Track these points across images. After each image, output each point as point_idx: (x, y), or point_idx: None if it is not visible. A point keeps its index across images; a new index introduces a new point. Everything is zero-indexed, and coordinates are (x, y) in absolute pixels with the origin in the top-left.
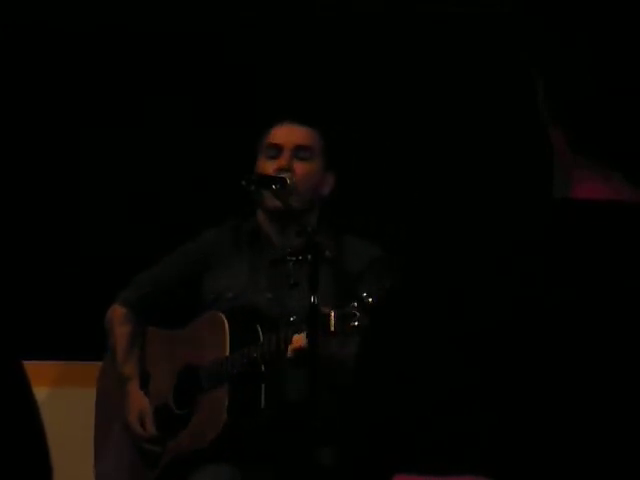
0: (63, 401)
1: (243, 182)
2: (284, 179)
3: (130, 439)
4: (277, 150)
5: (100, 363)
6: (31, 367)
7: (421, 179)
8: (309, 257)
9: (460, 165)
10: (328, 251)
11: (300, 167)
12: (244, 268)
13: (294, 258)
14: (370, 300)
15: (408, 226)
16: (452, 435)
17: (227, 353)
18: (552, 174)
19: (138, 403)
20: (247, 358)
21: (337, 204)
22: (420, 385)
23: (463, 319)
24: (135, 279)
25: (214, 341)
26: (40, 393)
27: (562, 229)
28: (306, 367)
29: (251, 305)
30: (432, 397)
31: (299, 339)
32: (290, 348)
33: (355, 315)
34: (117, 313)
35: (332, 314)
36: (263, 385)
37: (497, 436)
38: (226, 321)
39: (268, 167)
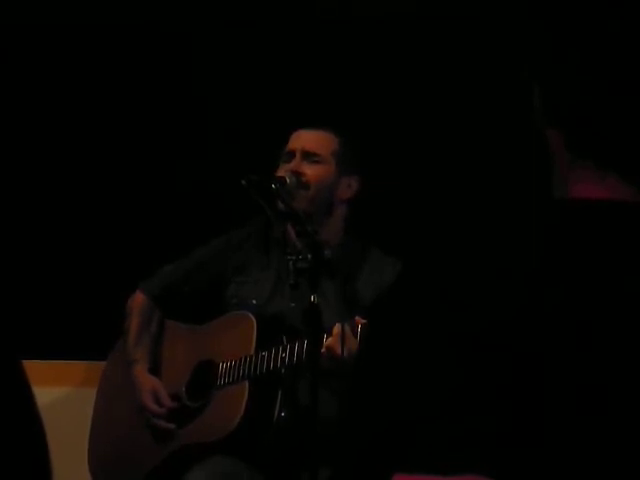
0: (63, 401)
1: (243, 182)
2: (283, 178)
3: (135, 422)
4: (291, 155)
5: (101, 363)
6: (31, 367)
7: (418, 179)
8: (309, 257)
9: (459, 165)
10: (328, 251)
11: (309, 169)
12: (270, 274)
13: (294, 258)
14: None
15: (406, 228)
16: (452, 435)
17: (252, 352)
18: (551, 175)
19: (149, 383)
20: (274, 359)
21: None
22: (420, 386)
23: (462, 320)
24: (161, 269)
25: (239, 339)
26: (40, 393)
27: (559, 229)
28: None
29: (277, 315)
30: (432, 398)
31: (337, 328)
32: (331, 337)
33: None
34: (137, 300)
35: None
36: (280, 391)
37: (497, 436)
38: (255, 321)
39: (281, 171)
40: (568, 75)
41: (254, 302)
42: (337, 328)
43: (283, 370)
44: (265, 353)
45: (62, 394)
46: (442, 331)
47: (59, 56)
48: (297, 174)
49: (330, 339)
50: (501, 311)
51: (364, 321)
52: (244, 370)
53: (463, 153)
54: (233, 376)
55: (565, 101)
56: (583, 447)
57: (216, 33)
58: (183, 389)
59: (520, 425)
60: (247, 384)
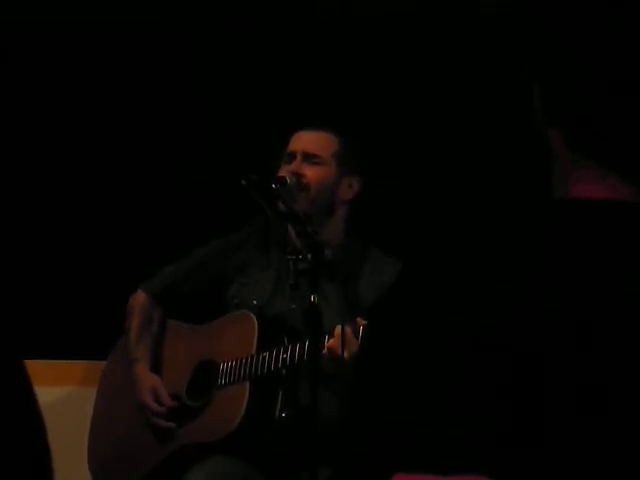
0: (63, 401)
1: (243, 182)
2: (284, 178)
3: (135, 422)
4: (291, 156)
5: (101, 363)
6: (31, 367)
7: (419, 179)
8: (309, 257)
9: (459, 166)
10: (328, 251)
11: (310, 171)
12: (271, 274)
13: (294, 258)
14: None
15: (407, 228)
16: (452, 435)
17: (253, 352)
18: (551, 175)
19: (149, 381)
20: (275, 360)
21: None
22: (420, 386)
23: (462, 320)
24: (162, 270)
25: (240, 339)
26: (40, 393)
27: (559, 229)
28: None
29: (278, 316)
30: (432, 398)
31: (338, 329)
32: (333, 338)
33: None
34: (138, 299)
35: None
36: (281, 391)
37: (497, 436)
38: (256, 321)
39: (282, 172)
40: (568, 75)
41: (255, 303)
42: (338, 330)
43: (284, 371)
44: (266, 354)
45: (62, 394)
46: (442, 331)
47: (59, 56)
48: (297, 175)
49: (331, 340)
50: (501, 311)
51: (365, 322)
52: (245, 370)
53: (463, 153)
54: (234, 376)
55: (565, 101)
56: (583, 447)
57: (216, 33)
58: (183, 389)
59: (520, 425)
60: (248, 384)
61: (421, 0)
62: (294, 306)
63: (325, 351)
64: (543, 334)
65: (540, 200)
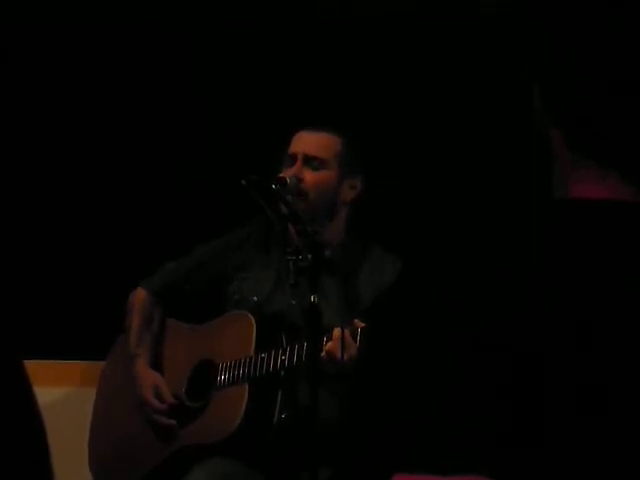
0: (63, 401)
1: (243, 182)
2: (284, 179)
3: (135, 421)
4: (293, 159)
5: (101, 363)
6: (31, 367)
7: (419, 179)
8: (309, 257)
9: (459, 165)
10: (328, 251)
11: (310, 175)
12: (271, 273)
13: (294, 257)
14: None
15: (407, 228)
16: (452, 435)
17: (251, 353)
18: (551, 175)
19: (150, 378)
20: (273, 361)
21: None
22: (420, 386)
23: (462, 320)
24: (163, 267)
25: (239, 339)
26: (40, 393)
27: (559, 229)
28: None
29: (277, 313)
30: (432, 398)
31: (337, 332)
32: (332, 340)
33: None
34: (139, 296)
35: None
36: (280, 392)
37: (497, 436)
38: (254, 322)
39: (284, 173)
40: (568, 75)
41: (255, 299)
42: (337, 332)
43: (282, 372)
44: (264, 355)
45: (62, 394)
46: (442, 331)
47: (59, 56)
48: (298, 179)
49: (330, 343)
50: (501, 311)
51: (363, 325)
52: (244, 371)
53: (464, 153)
54: (233, 377)
55: (565, 101)
56: (583, 447)
57: (216, 33)
58: (183, 389)
59: (520, 425)
60: (247, 385)
61: (421, 0)
62: (294, 302)
63: (323, 354)
64: (543, 334)
65: (540, 200)
